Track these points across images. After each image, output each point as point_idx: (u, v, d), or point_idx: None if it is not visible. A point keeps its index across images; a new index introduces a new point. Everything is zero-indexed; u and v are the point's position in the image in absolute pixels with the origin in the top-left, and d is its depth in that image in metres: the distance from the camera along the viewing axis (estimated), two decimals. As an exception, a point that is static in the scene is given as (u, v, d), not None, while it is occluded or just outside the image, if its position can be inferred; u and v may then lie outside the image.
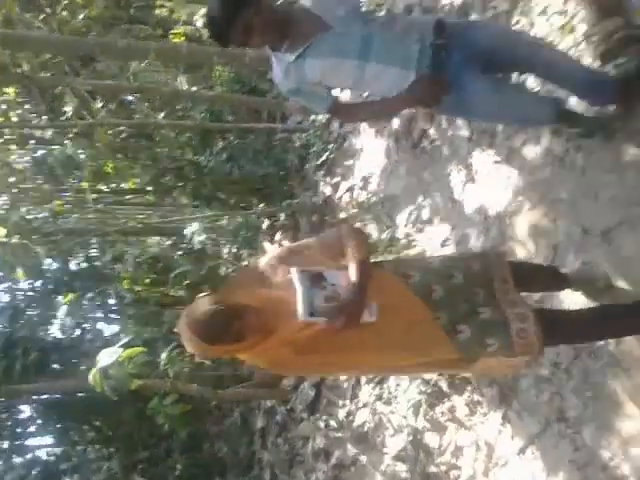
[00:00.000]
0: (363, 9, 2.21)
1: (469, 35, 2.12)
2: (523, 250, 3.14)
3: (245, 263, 8.00)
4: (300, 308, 1.77)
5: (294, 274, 1.84)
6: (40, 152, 9.88)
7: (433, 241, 4.18)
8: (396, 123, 4.66)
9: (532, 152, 3.06)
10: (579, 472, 2.57)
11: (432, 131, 4.16)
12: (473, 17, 3.68)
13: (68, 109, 7.59)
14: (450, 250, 3.92)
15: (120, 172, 10.10)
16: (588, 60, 2.63)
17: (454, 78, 2.06)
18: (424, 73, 2.05)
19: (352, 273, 1.85)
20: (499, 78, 2.38)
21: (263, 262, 2.01)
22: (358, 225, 4.76)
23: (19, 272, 6.72)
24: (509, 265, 2.14)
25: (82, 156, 10.46)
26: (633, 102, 2.31)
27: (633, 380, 2.36)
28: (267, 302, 1.84)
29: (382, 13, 2.21)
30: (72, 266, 10.28)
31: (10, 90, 6.75)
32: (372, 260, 2.00)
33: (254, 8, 1.95)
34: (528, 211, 3.11)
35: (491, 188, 3.47)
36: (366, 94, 2.88)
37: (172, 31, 7.58)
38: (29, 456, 10.50)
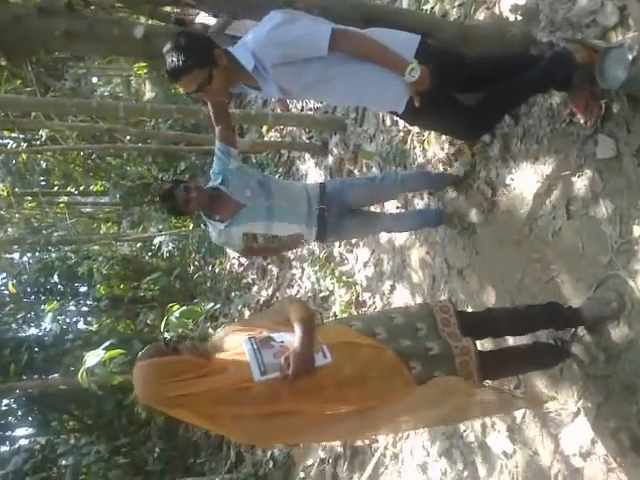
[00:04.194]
0: (263, 181, 3.13)
1: (341, 198, 3.23)
2: (416, 277, 4.16)
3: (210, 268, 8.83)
4: (253, 371, 1.87)
5: (243, 342, 1.97)
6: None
7: (359, 261, 5.18)
8: (330, 160, 5.61)
9: (420, 205, 4.05)
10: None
11: (356, 171, 5.12)
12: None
13: (42, 133, 8.31)
14: (370, 270, 4.93)
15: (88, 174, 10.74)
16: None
17: (334, 224, 3.24)
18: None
19: (296, 329, 1.97)
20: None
21: (217, 337, 2.17)
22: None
23: (10, 286, 7.34)
24: (456, 313, 2.27)
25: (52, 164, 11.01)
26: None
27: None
28: (214, 352, 1.99)
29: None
30: (49, 267, 10.82)
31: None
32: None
33: (183, 188, 2.96)
34: (418, 247, 4.12)
35: (396, 226, 4.46)
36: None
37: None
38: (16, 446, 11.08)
